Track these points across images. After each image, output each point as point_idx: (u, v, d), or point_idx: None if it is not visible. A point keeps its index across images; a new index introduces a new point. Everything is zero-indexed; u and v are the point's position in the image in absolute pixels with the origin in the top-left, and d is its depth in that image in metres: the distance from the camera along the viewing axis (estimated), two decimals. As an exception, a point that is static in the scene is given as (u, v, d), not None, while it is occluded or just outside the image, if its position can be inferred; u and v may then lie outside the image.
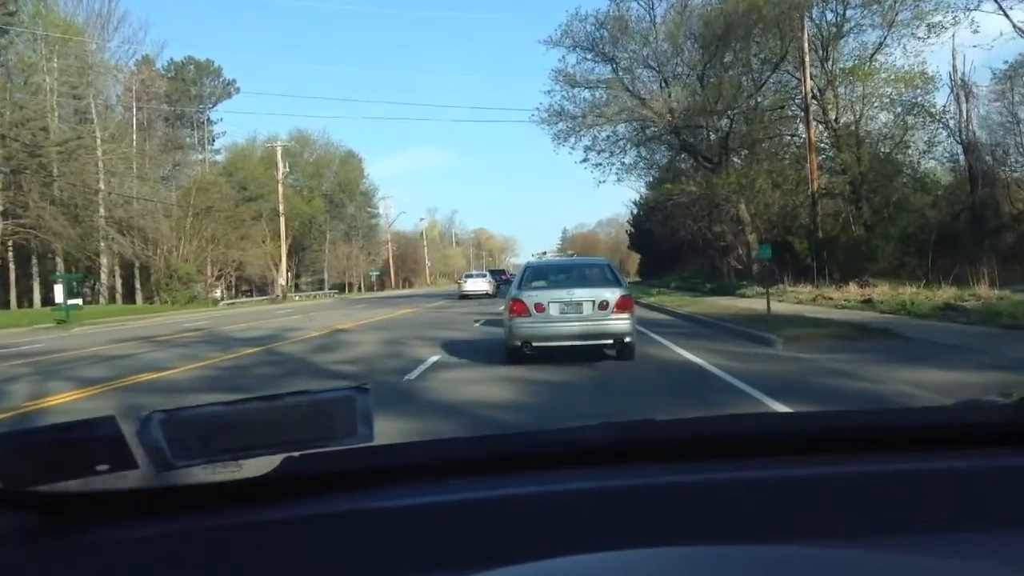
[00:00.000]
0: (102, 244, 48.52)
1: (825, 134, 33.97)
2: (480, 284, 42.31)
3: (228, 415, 1.08)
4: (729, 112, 34.27)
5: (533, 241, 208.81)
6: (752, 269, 34.61)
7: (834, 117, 34.35)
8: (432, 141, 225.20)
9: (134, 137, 54.72)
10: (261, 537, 1.11)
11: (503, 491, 1.18)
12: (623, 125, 39.03)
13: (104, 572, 1.07)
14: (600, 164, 39.03)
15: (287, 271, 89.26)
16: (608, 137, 39.06)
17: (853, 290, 23.42)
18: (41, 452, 1.05)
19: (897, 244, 31.07)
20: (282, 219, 70.05)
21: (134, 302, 53.46)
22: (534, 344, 10.84)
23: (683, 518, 1.13)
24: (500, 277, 50.48)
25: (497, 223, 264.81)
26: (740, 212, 34.72)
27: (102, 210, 47.98)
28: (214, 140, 69.58)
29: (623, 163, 40.51)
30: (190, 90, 63.55)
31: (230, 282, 73.41)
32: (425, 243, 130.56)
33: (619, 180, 48.13)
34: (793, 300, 24.53)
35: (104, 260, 49.07)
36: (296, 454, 1.13)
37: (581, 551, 0.79)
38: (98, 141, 47.32)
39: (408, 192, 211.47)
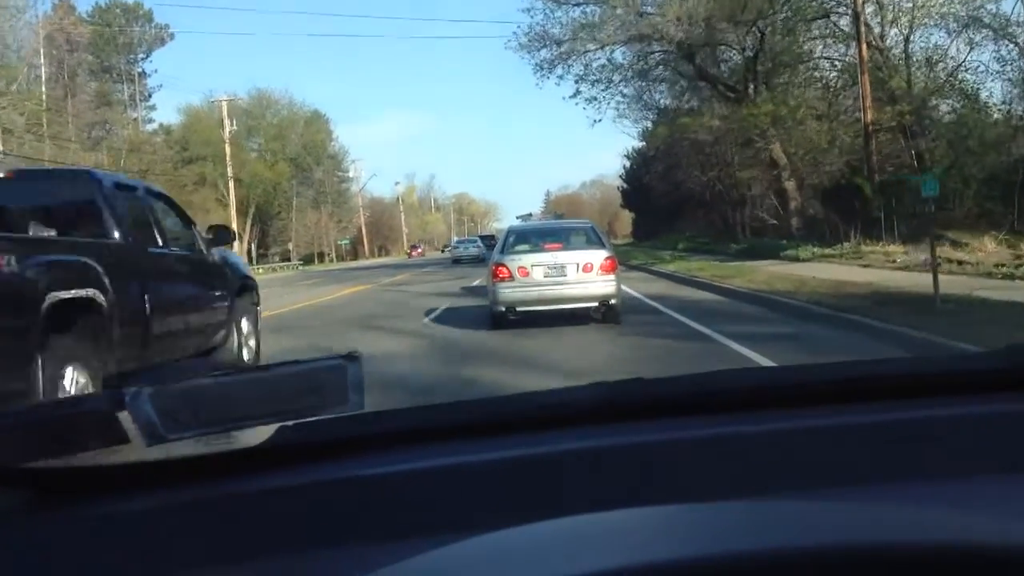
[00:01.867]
0: None
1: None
2: (470, 249, 47.45)
3: (218, 387, 1.09)
4: (759, 23, 26.77)
5: (516, 205, 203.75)
6: (792, 224, 27.48)
7: (879, 33, 27.14)
8: (408, 105, 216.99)
9: (43, 90, 46.61)
10: (256, 507, 1.10)
11: (496, 454, 1.17)
12: (621, 50, 31.54)
13: (97, 547, 1.05)
14: (595, 99, 31.55)
15: (247, 241, 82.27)
16: (603, 67, 31.56)
17: (980, 246, 16.27)
18: (31, 429, 1.06)
19: (979, 187, 24.01)
20: (230, 183, 62.22)
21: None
22: (518, 309, 10.79)
23: (676, 475, 1.13)
24: (489, 242, 46.46)
25: (479, 187, 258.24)
26: (774, 152, 27.45)
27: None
28: (150, 96, 61.41)
29: (624, 94, 33.06)
30: (117, 39, 55.25)
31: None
32: (402, 209, 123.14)
33: (619, 116, 40.51)
34: (884, 263, 17.38)
35: None
36: (290, 423, 1.12)
37: (575, 513, 0.77)
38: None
39: (384, 158, 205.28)
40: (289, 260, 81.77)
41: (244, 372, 1.15)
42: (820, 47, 30.03)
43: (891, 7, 27.48)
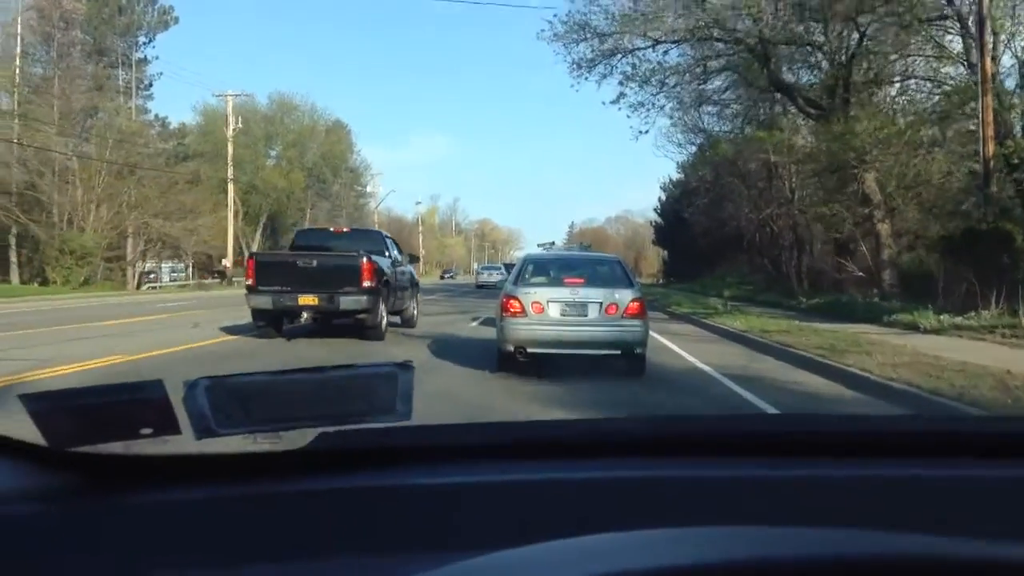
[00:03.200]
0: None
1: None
2: (494, 276, 48.03)
3: (272, 385, 1.12)
4: (857, 21, 20.97)
5: (539, 234, 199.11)
6: (884, 278, 21.54)
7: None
8: (437, 128, 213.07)
9: (17, 65, 41.50)
10: (294, 508, 1.13)
11: (531, 475, 1.19)
12: (676, 51, 25.87)
13: (140, 535, 1.08)
14: (641, 105, 25.80)
15: (246, 249, 77.12)
16: (653, 69, 25.84)
17: None
18: (86, 413, 1.07)
19: None
20: (230, 185, 57.22)
21: (5, 280, 40.30)
22: (529, 350, 9.61)
23: (700, 509, 1.14)
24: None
25: (502, 214, 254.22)
26: (867, 185, 21.54)
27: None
28: (150, 84, 56.23)
29: (680, 101, 27.34)
30: (115, 18, 50.22)
31: (186, 262, 60.58)
32: (421, 230, 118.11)
33: (672, 124, 34.63)
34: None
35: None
36: (331, 430, 1.16)
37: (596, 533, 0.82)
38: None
39: (408, 178, 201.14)
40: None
41: (298, 373, 1.14)
42: (916, 64, 24.15)
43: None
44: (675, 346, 13.90)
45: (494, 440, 1.36)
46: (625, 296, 9.77)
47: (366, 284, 13.51)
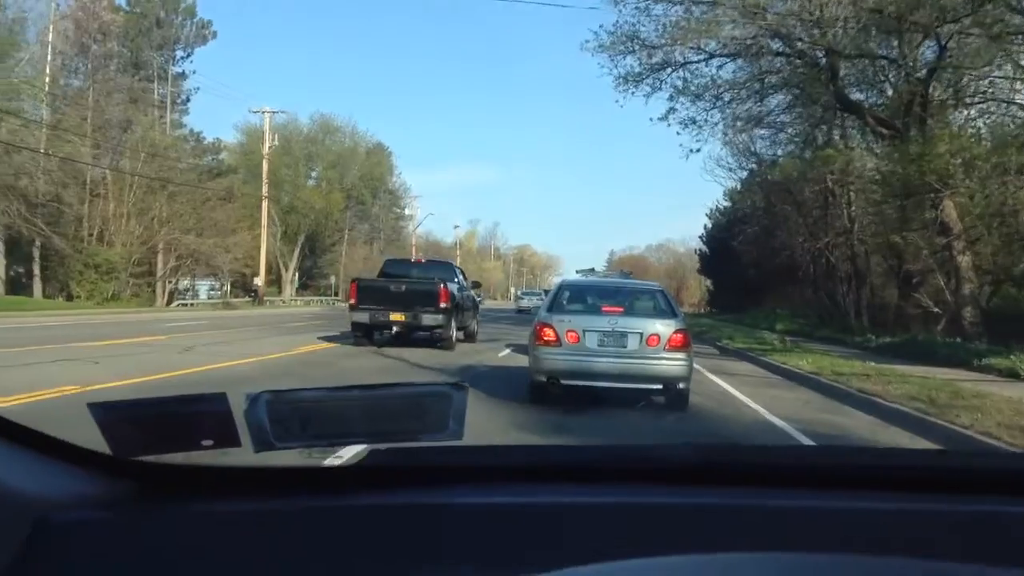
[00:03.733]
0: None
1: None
2: (534, 300, 47.63)
3: (329, 401, 1.15)
4: (941, 30, 18.79)
5: (578, 261, 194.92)
6: (965, 316, 19.18)
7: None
8: (478, 154, 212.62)
9: (47, 72, 40.65)
10: (347, 522, 1.14)
11: (581, 498, 1.20)
12: (731, 65, 23.90)
13: (197, 543, 1.10)
14: (693, 121, 23.78)
15: (292, 270, 76.16)
16: (706, 85, 23.88)
17: None
18: (151, 423, 1.11)
19: None
20: (264, 203, 56.07)
21: (28, 294, 39.11)
22: (563, 382, 9.11)
23: (751, 538, 1.14)
24: None
25: (542, 240, 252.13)
26: (945, 212, 19.26)
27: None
28: (187, 100, 55.45)
29: (735, 119, 25.26)
30: (152, 32, 49.45)
31: (222, 280, 59.49)
32: (459, 253, 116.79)
33: (726, 143, 32.23)
34: None
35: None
36: (383, 446, 1.20)
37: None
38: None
39: (449, 203, 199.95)
40: (328, 295, 75.37)
41: (354, 390, 1.18)
42: (997, 85, 21.85)
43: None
44: (736, 391, 11.81)
45: (543, 462, 1.36)
46: (668, 327, 9.19)
47: (442, 305, 17.00)
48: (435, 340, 17.31)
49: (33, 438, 1.14)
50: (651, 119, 25.36)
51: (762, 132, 34.64)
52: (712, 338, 24.68)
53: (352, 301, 17.55)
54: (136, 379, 10.02)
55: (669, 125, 24.06)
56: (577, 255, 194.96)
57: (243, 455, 1.11)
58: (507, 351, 17.38)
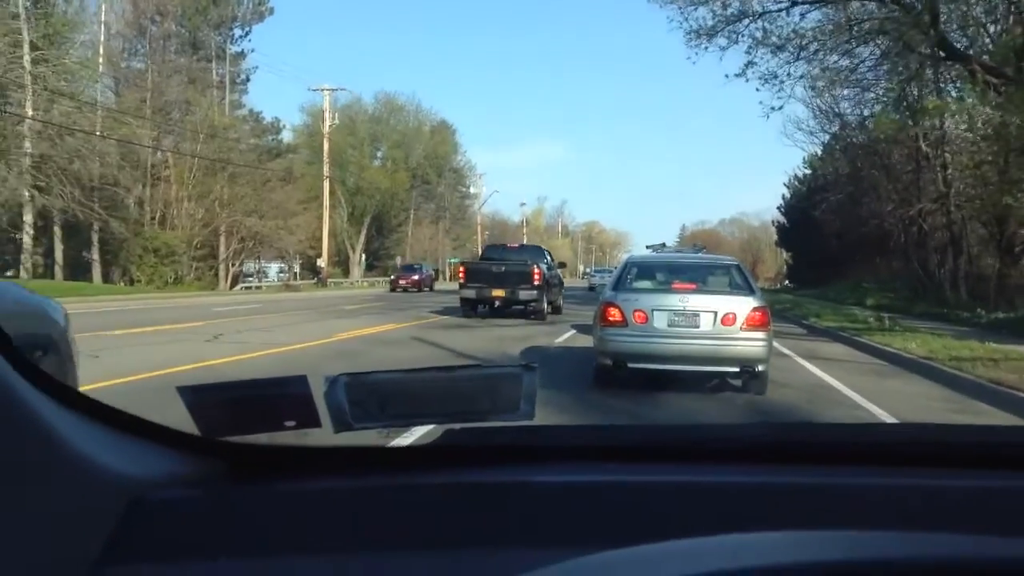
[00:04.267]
0: (25, 194, 33.59)
1: None
2: (605, 278, 52.03)
3: (405, 382, 1.19)
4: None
5: (648, 237, 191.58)
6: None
7: None
8: (546, 132, 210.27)
9: (100, 52, 40.06)
10: (422, 500, 1.17)
11: (653, 477, 1.21)
12: (816, 14, 21.55)
13: (280, 521, 1.14)
14: (774, 76, 21.50)
15: (358, 252, 75.64)
16: (788, 36, 21.55)
17: None
18: (237, 405, 1.15)
19: None
20: (325, 183, 55.14)
21: (87, 279, 38.72)
22: (630, 365, 8.49)
23: (828, 517, 1.11)
24: None
25: (610, 217, 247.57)
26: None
27: (28, 145, 33.22)
28: (247, 79, 54.67)
29: (822, 68, 22.91)
30: (209, 11, 48.58)
31: (289, 262, 58.96)
32: (525, 231, 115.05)
33: (807, 103, 29.91)
34: None
35: (27, 218, 34.32)
36: (457, 426, 1.22)
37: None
38: (25, 48, 32.37)
39: (517, 182, 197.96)
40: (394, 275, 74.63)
41: (430, 371, 1.21)
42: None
43: None
44: (837, 382, 9.85)
45: (617, 442, 1.38)
46: (745, 304, 8.53)
47: (536, 283, 20.24)
48: (529, 313, 20.53)
49: (125, 420, 1.16)
50: (726, 75, 22.91)
51: (846, 92, 32.24)
52: (796, 316, 22.50)
53: (461, 280, 21.42)
54: (114, 380, 8.51)
55: (747, 80, 21.77)
56: (647, 231, 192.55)
57: (324, 436, 1.14)
58: (571, 332, 15.74)
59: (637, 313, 8.52)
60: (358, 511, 1.15)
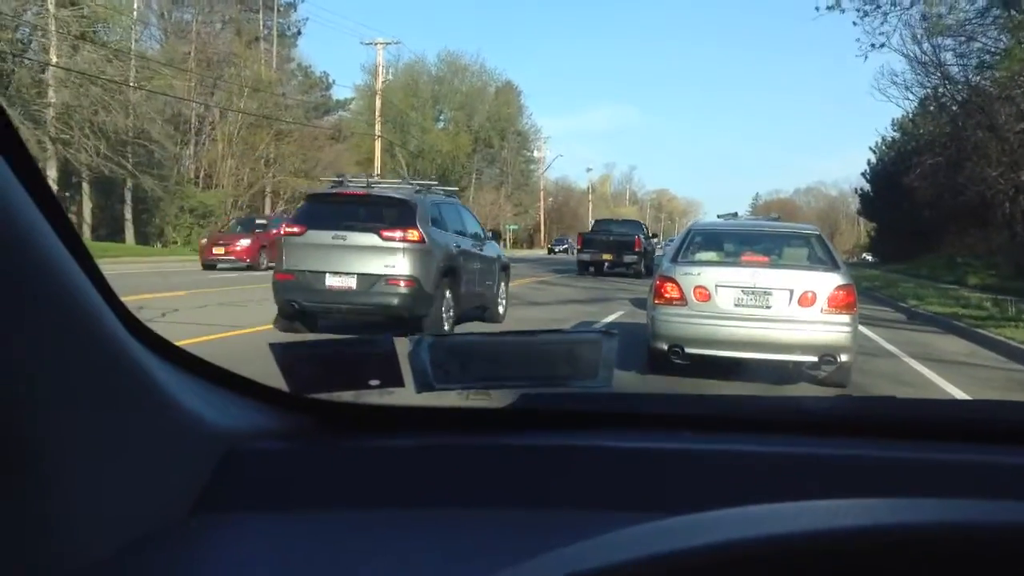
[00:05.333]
0: (49, 148, 31.66)
1: None
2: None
3: (487, 346, 1.24)
4: None
5: (719, 206, 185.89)
6: None
7: None
8: (615, 97, 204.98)
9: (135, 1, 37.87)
10: (499, 460, 1.20)
11: (726, 446, 1.21)
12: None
13: (363, 475, 1.19)
14: (875, 5, 18.10)
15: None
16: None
17: None
18: (325, 363, 1.21)
19: None
20: (377, 142, 52.50)
21: (120, 240, 36.90)
22: (688, 351, 7.39)
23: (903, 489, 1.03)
24: None
25: (681, 185, 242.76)
26: None
27: (51, 94, 31.29)
28: (299, 32, 52.30)
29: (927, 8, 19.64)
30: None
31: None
32: (591, 198, 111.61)
33: (905, 54, 26.80)
34: None
35: (51, 173, 32.42)
36: (533, 391, 1.26)
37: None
38: None
39: (584, 148, 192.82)
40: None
41: (510, 335, 1.26)
42: None
43: None
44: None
45: (692, 411, 1.38)
46: (828, 282, 7.39)
47: (637, 249, 26.05)
48: (631, 273, 25.46)
49: (219, 374, 1.21)
50: (816, 8, 19.88)
51: (948, 42, 28.38)
52: (889, 297, 19.09)
53: (579, 247, 28.36)
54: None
55: (843, 11, 18.61)
56: (718, 199, 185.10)
57: (406, 395, 1.17)
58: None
59: (698, 290, 7.52)
60: (439, 469, 1.18)
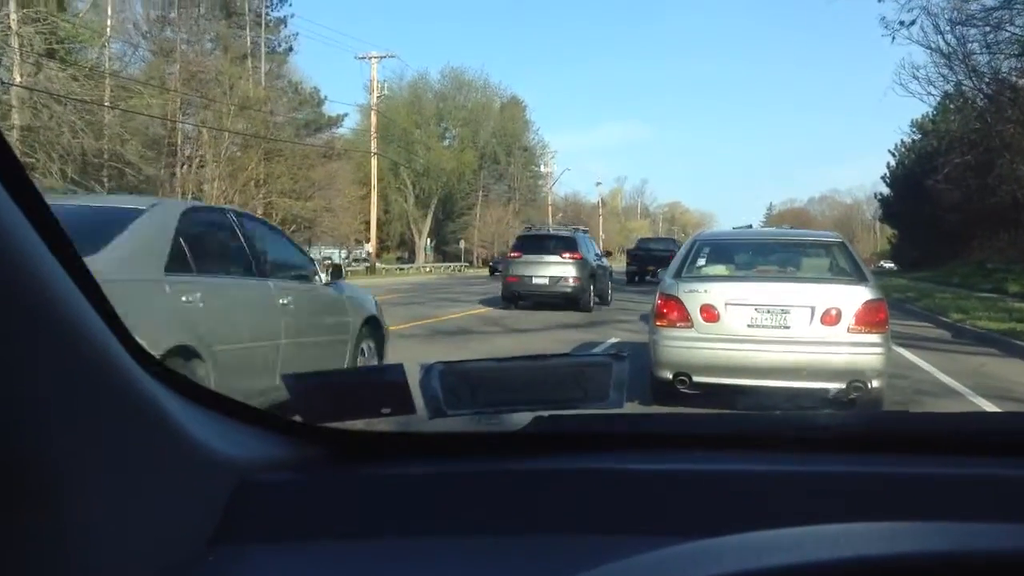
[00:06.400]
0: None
1: None
2: None
3: (497, 371, 1.24)
4: None
5: (733, 217, 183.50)
6: None
7: None
8: (626, 112, 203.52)
9: (110, 12, 36.08)
10: (512, 486, 1.20)
11: (742, 466, 1.20)
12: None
13: (376, 503, 1.18)
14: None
15: (425, 236, 71.63)
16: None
17: None
18: (337, 392, 1.21)
19: None
20: (373, 160, 50.63)
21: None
22: (696, 379, 6.64)
23: (913, 508, 1.06)
24: None
25: (693, 197, 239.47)
26: None
27: (15, 116, 29.47)
28: (291, 49, 50.53)
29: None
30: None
31: (348, 247, 55.13)
32: (601, 212, 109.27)
33: (927, 45, 25.52)
34: None
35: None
36: (546, 414, 1.24)
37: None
38: (11, 6, 28.55)
39: (594, 163, 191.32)
40: (459, 260, 70.28)
41: (520, 360, 1.25)
42: None
43: None
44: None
45: (708, 431, 1.37)
46: (854, 296, 6.50)
47: None
48: None
49: (230, 406, 1.21)
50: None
51: (973, 32, 26.32)
52: (926, 309, 16.78)
53: (628, 261, 34.25)
54: None
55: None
56: (731, 210, 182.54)
57: (418, 422, 1.19)
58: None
59: (706, 309, 6.77)
60: (454, 495, 1.18)
